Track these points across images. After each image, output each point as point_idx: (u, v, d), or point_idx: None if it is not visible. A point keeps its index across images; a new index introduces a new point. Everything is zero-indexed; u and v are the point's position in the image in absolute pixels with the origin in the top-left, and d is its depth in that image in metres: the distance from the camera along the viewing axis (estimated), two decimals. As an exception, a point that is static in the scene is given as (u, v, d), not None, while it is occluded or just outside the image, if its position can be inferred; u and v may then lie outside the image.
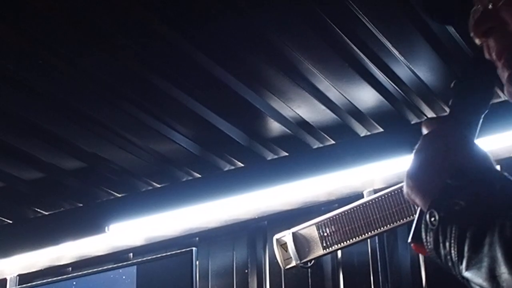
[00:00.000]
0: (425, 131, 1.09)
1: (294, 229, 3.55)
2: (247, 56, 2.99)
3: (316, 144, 3.71)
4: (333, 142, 3.67)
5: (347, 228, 3.37)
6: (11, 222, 4.47)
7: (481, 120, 1.14)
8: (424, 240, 1.00)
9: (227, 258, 4.02)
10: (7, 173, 3.85)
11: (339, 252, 3.70)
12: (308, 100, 3.30)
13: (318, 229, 3.45)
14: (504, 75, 1.06)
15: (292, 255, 3.54)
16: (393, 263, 3.62)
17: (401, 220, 3.24)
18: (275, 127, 3.52)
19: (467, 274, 0.92)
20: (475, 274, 0.91)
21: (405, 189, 1.06)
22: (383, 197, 3.30)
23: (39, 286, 4.24)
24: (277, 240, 3.60)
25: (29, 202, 4.24)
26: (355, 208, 3.36)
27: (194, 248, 3.80)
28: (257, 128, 3.55)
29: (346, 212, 3.38)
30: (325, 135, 3.62)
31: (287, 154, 3.79)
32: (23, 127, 3.42)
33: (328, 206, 3.74)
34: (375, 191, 3.43)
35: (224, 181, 3.89)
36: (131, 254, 4.30)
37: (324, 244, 3.44)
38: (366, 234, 3.33)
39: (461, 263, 0.93)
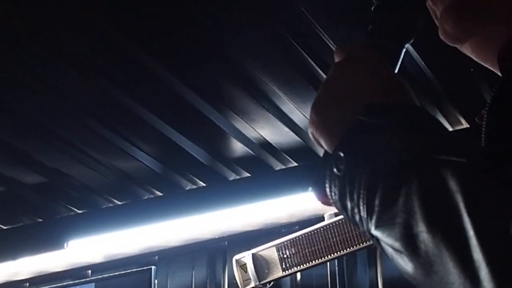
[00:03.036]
0: (337, 59, 0.93)
1: (254, 250, 3.54)
2: (212, 75, 3.00)
3: (278, 166, 3.71)
4: (295, 164, 3.68)
5: (307, 250, 3.37)
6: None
7: (404, 49, 1.00)
8: (328, 188, 0.83)
9: (186, 278, 4.00)
10: (-34, 186, 3.82)
11: (298, 274, 3.70)
12: (272, 122, 3.30)
13: (278, 251, 3.45)
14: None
15: (251, 276, 3.53)
16: (352, 287, 3.62)
17: (361, 244, 3.25)
18: (238, 147, 3.52)
19: (376, 232, 0.77)
20: (387, 232, 0.75)
21: (309, 127, 0.91)
22: (343, 220, 3.30)
23: (-5, 301, 4.19)
24: (236, 260, 3.60)
25: (-12, 216, 4.21)
26: (315, 231, 3.36)
27: (153, 267, 3.79)
28: (220, 148, 3.55)
29: (306, 235, 3.38)
30: (288, 157, 3.62)
31: (249, 175, 3.78)
32: (-16, 140, 3.39)
33: (289, 228, 3.74)
34: (336, 214, 3.43)
35: (185, 200, 3.88)
36: (90, 271, 4.27)
37: (284, 266, 3.44)
38: (326, 257, 3.33)
39: (371, 219, 0.77)
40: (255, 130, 3.38)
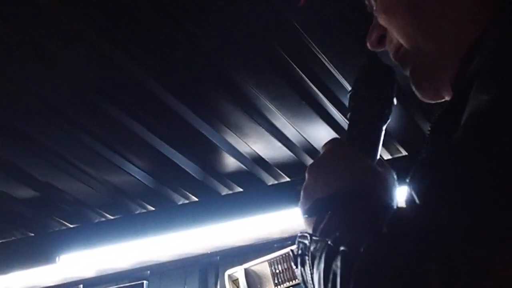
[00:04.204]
0: (321, 151, 1.10)
1: (246, 265, 3.54)
2: (205, 90, 2.99)
3: (271, 181, 3.71)
4: (288, 179, 3.68)
5: (299, 265, 3.36)
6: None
7: (383, 131, 1.12)
8: (294, 262, 1.00)
9: (178, 293, 4.00)
10: (-42, 200, 3.81)
11: (290, 290, 3.69)
12: (265, 137, 3.30)
13: (270, 266, 3.45)
14: (406, 73, 1.09)
15: (243, 291, 3.53)
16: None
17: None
18: (230, 162, 3.52)
19: None
20: None
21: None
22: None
23: (-14, 316, 4.18)
24: (229, 275, 3.59)
25: (-21, 230, 4.19)
26: (307, 246, 3.36)
27: (145, 282, 3.78)
28: (213, 163, 3.55)
29: (298, 250, 3.38)
30: (281, 172, 3.62)
31: (241, 189, 3.78)
32: (-24, 153, 3.38)
33: (281, 243, 3.74)
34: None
35: (177, 215, 3.87)
36: (82, 285, 4.26)
37: (276, 281, 3.43)
38: (318, 273, 3.32)
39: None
40: (248, 145, 3.38)
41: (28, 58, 2.73)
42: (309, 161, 3.50)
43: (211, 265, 3.99)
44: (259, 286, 3.50)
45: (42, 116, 3.12)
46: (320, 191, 1.04)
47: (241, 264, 3.57)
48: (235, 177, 3.66)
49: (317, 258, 0.91)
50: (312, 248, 0.95)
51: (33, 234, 4.24)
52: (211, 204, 3.82)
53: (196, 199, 3.88)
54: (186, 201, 3.89)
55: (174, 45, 2.70)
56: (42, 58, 2.74)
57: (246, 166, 3.55)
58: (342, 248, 0.85)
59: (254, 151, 3.43)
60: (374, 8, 1.11)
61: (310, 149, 3.41)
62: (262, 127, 3.21)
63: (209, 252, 3.95)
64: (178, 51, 2.74)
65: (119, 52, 2.72)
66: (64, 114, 3.13)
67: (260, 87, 2.96)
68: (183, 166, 3.51)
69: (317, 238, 0.95)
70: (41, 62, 2.77)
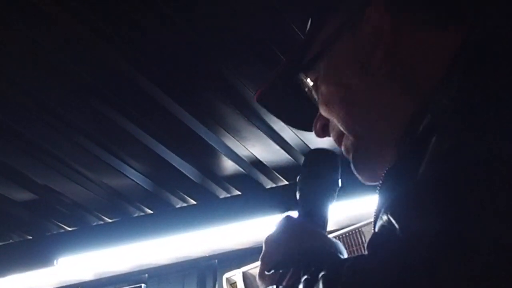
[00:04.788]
0: (274, 227, 1.24)
1: (244, 268, 3.54)
2: (203, 93, 3.00)
3: (269, 184, 3.71)
4: (286, 182, 3.68)
5: (297, 269, 3.36)
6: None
7: (328, 208, 1.28)
8: None
9: (176, 296, 3.99)
10: (-44, 202, 3.80)
11: (288, 293, 3.69)
12: (263, 140, 3.31)
13: (268, 269, 3.44)
14: (349, 157, 1.19)
15: (241, 294, 3.53)
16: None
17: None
18: (228, 165, 3.52)
19: None
20: None
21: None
22: (333, 239, 3.30)
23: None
24: (227, 279, 3.59)
25: (-23, 233, 4.19)
26: (306, 249, 3.36)
27: (143, 285, 3.78)
28: (211, 166, 3.55)
29: (296, 253, 3.38)
30: (279, 175, 3.62)
31: (240, 193, 3.78)
32: (-26, 156, 3.39)
33: (279, 247, 3.74)
34: (328, 233, 3.43)
35: (175, 218, 3.87)
36: (80, 289, 4.26)
37: (274, 285, 3.43)
38: (316, 276, 3.32)
39: None
40: (246, 148, 3.38)
41: (25, 60, 2.73)
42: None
43: (209, 268, 3.99)
44: (257, 289, 3.49)
45: (40, 119, 3.12)
46: (274, 258, 1.14)
47: (239, 267, 3.57)
48: (234, 180, 3.66)
49: None
50: None
51: (31, 237, 4.24)
52: (209, 207, 3.82)
53: (194, 202, 3.88)
54: (184, 204, 3.89)
55: (175, 51, 2.70)
56: (39, 61, 2.74)
57: (244, 169, 3.55)
58: (321, 274, 0.91)
59: (253, 154, 3.44)
60: (316, 100, 1.21)
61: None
62: (261, 130, 3.22)
63: (207, 255, 3.96)
64: (178, 57, 2.74)
65: (116, 53, 2.72)
66: (63, 117, 3.13)
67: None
68: (181, 169, 3.51)
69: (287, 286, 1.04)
70: (38, 64, 2.77)
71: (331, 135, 1.22)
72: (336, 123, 1.17)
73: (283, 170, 3.58)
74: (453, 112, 0.91)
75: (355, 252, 3.24)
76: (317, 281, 0.91)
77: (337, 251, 1.15)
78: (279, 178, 3.65)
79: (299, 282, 0.97)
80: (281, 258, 1.12)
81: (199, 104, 3.06)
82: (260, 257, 1.19)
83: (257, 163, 3.52)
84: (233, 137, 3.28)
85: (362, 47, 1.11)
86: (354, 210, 3.43)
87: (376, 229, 0.89)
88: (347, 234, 3.28)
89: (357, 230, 3.26)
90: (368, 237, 3.26)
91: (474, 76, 0.95)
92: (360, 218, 3.27)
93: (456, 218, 0.78)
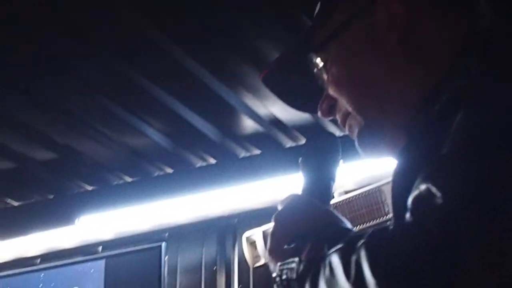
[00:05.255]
0: (279, 207, 1.22)
1: (264, 228, 3.55)
2: (223, 52, 2.99)
3: (289, 143, 3.71)
4: (306, 141, 3.67)
5: (316, 227, 3.36)
6: (-21, 210, 4.44)
7: (332, 185, 1.31)
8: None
9: (196, 255, 4.01)
10: (-22, 162, 3.83)
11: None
12: (282, 99, 3.29)
13: (287, 228, 3.45)
14: (354, 137, 1.22)
15: (261, 254, 3.54)
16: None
17: (371, 222, 3.25)
18: (248, 124, 3.52)
19: None
20: None
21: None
22: (353, 198, 3.30)
23: (6, 278, 4.21)
24: (246, 238, 3.60)
25: (0, 192, 4.22)
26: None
27: (163, 243, 3.79)
28: (231, 125, 3.55)
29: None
30: (298, 134, 3.62)
31: (259, 152, 3.79)
32: (-4, 116, 3.40)
33: (299, 206, 3.74)
34: (346, 192, 3.43)
35: (195, 177, 3.88)
36: (100, 247, 4.28)
37: (293, 243, 3.43)
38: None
39: None
40: (266, 107, 3.37)
41: (43, 17, 2.73)
42: (327, 122, 3.50)
43: (229, 227, 4.00)
44: (276, 248, 3.50)
45: (61, 79, 3.12)
46: (289, 234, 1.14)
47: (258, 226, 3.58)
48: (253, 139, 3.67)
49: (312, 275, 1.00)
50: (302, 268, 1.05)
51: (52, 196, 4.27)
52: (229, 166, 3.83)
53: (214, 161, 3.89)
54: (204, 163, 3.90)
55: (192, 7, 2.69)
56: (57, 18, 2.74)
57: (264, 128, 3.55)
58: (361, 242, 0.92)
59: (272, 113, 3.43)
60: (326, 79, 1.23)
61: (328, 112, 3.40)
62: (280, 89, 3.20)
63: (227, 214, 3.96)
64: (196, 14, 2.73)
65: (138, 13, 2.71)
66: (83, 77, 3.13)
67: (279, 49, 2.95)
68: (201, 128, 3.52)
69: (308, 259, 1.06)
70: (60, 25, 2.77)
71: (337, 115, 1.25)
72: (344, 103, 1.20)
73: (303, 129, 3.57)
74: (475, 90, 0.96)
75: (375, 211, 3.24)
76: (354, 249, 0.91)
77: (348, 226, 1.16)
78: (299, 137, 3.64)
79: (322, 255, 0.99)
80: (297, 233, 1.13)
81: (219, 63, 3.06)
82: (270, 233, 1.20)
83: (276, 122, 3.51)
84: (253, 96, 3.28)
85: (376, 31, 1.14)
86: (372, 170, 3.43)
87: (411, 199, 0.90)
88: (366, 193, 3.28)
89: (376, 189, 3.25)
90: (387, 196, 3.25)
91: (490, 57, 0.99)
92: (379, 178, 3.26)
93: (497, 185, 0.80)
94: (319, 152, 1.34)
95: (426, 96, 1.08)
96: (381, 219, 3.21)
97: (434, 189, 0.86)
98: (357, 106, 1.18)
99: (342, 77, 1.19)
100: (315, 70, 1.26)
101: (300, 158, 1.34)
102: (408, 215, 0.89)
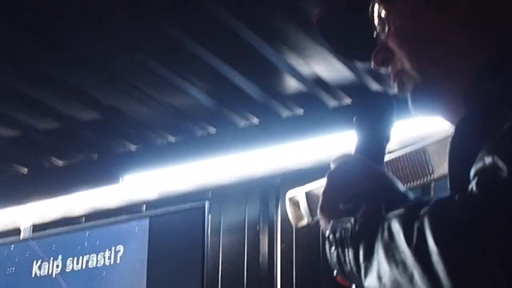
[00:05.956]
0: (332, 166, 1.22)
1: (307, 188, 3.54)
2: (267, 11, 2.98)
3: (332, 103, 3.69)
4: (350, 101, 3.66)
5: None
6: (26, 171, 4.49)
7: (386, 146, 1.28)
8: (330, 263, 1.09)
9: (239, 214, 4.02)
10: (23, 123, 3.87)
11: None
12: (326, 58, 3.28)
13: (330, 188, 3.44)
14: (406, 93, 1.20)
15: (304, 213, 3.53)
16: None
17: (415, 181, 3.23)
18: (292, 84, 3.51)
19: (366, 284, 1.00)
20: (370, 281, 0.98)
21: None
22: (397, 158, 3.28)
23: (52, 236, 4.27)
24: (289, 198, 3.60)
25: (45, 152, 4.26)
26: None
27: (206, 203, 3.81)
28: (274, 85, 3.54)
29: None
30: (342, 94, 3.60)
31: (302, 112, 3.77)
32: (41, 77, 3.42)
33: (342, 166, 3.73)
34: (389, 152, 3.41)
35: (239, 137, 3.89)
36: (144, 207, 4.31)
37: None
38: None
39: (360, 275, 1.01)
40: (310, 67, 3.36)
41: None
42: (372, 83, 3.48)
43: (272, 187, 4.01)
44: (319, 208, 3.50)
45: (105, 39, 3.13)
46: (343, 193, 1.13)
47: (301, 186, 3.58)
48: (297, 99, 3.66)
49: (368, 236, 1.00)
50: (358, 228, 1.04)
51: (96, 156, 4.30)
52: (272, 126, 3.82)
53: (257, 122, 3.89)
54: (247, 124, 3.91)
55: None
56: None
57: (307, 88, 3.54)
58: (424, 209, 0.91)
59: (316, 72, 3.41)
60: (386, 31, 1.21)
61: (372, 70, 3.38)
62: (324, 48, 3.19)
63: (270, 174, 3.96)
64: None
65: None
66: (127, 38, 3.14)
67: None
68: (244, 88, 3.51)
69: (364, 220, 1.04)
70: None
71: (391, 69, 1.23)
72: (403, 57, 1.18)
73: (347, 88, 3.55)
74: None
75: (419, 171, 3.22)
76: (417, 217, 0.91)
77: (402, 188, 1.14)
78: (342, 96, 3.62)
79: (380, 217, 0.99)
80: (351, 193, 1.12)
81: (263, 23, 3.04)
82: (323, 192, 1.19)
83: (320, 82, 3.50)
84: (297, 55, 3.26)
85: None
86: (417, 130, 3.40)
87: (475, 170, 0.91)
88: (410, 153, 3.26)
89: (421, 149, 3.23)
90: (432, 156, 3.23)
91: None
92: (422, 137, 3.24)
93: None
94: (374, 112, 1.32)
95: (489, 64, 1.07)
96: (425, 179, 3.19)
97: (500, 163, 0.86)
98: (417, 63, 1.16)
99: (407, 30, 1.17)
100: (376, 19, 1.24)
101: (355, 117, 1.32)
102: (472, 187, 0.89)
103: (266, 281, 3.83)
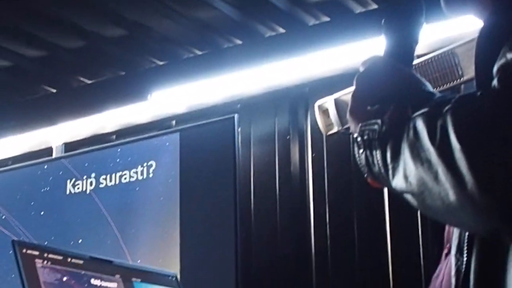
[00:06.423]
0: (361, 69, 1.21)
1: (336, 95, 3.52)
2: None
3: (358, 9, 3.65)
4: (376, 6, 3.61)
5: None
6: (55, 91, 4.51)
7: (414, 48, 1.28)
8: (360, 166, 1.10)
9: (269, 125, 4.02)
10: (50, 42, 3.87)
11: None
12: (350, -37, 3.23)
13: (359, 95, 3.43)
14: None
15: (334, 121, 3.50)
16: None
17: (445, 85, 3.20)
18: (316, -9, 3.47)
19: (394, 184, 1.01)
20: (397, 181, 1.00)
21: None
22: (426, 62, 3.25)
23: (84, 154, 4.30)
24: (319, 106, 3.57)
25: (72, 71, 4.28)
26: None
27: (235, 115, 3.81)
28: (298, -7, 3.51)
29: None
30: (368, 0, 3.56)
31: (328, 19, 3.73)
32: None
33: (370, 72, 3.71)
34: (418, 56, 3.38)
35: (265, 47, 3.87)
36: (174, 121, 4.32)
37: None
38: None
39: (388, 176, 1.02)
40: (335, -28, 3.32)
41: None
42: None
43: (301, 96, 3.99)
44: (349, 115, 3.49)
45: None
46: (372, 95, 1.14)
47: (330, 94, 3.56)
48: (322, 6, 3.62)
49: (394, 137, 1.01)
50: (385, 129, 1.04)
51: (123, 73, 4.31)
52: (298, 35, 3.79)
53: (283, 31, 3.86)
54: (273, 33, 3.88)
55: None
56: None
57: (333, -6, 3.50)
58: (446, 108, 0.92)
59: (341, -22, 3.37)
60: None
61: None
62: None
63: (298, 83, 3.94)
64: None
65: None
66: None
67: None
68: (269, -2, 3.49)
69: (391, 121, 1.05)
70: None
71: None
72: None
73: (373, -6, 3.51)
74: None
75: (449, 74, 3.19)
76: (440, 114, 0.92)
77: (430, 89, 1.15)
78: (369, 2, 3.58)
79: (406, 118, 1.00)
80: (380, 94, 1.13)
81: None
82: (352, 95, 1.19)
83: (345, -12, 3.45)
84: (320, -39, 3.22)
85: None
86: (446, 33, 3.36)
87: (497, 67, 0.91)
88: (439, 56, 3.22)
89: (449, 52, 3.18)
90: (461, 58, 3.19)
91: None
92: (453, 40, 3.20)
93: None
94: (402, 13, 1.31)
95: None
96: (454, 82, 3.15)
97: None
98: None
99: None
100: None
101: (383, 20, 1.31)
102: (495, 83, 0.89)
103: (298, 190, 3.85)
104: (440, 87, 3.20)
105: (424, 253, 3.38)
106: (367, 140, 1.08)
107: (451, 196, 0.91)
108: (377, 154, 1.04)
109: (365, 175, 1.11)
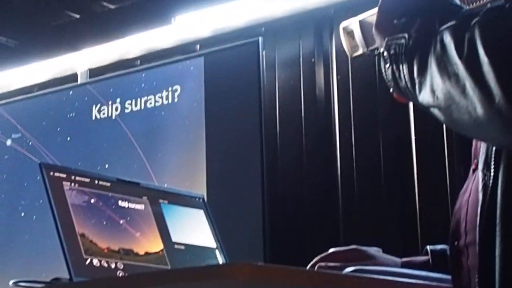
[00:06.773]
0: None
1: (361, 16, 3.47)
2: None
3: None
4: None
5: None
6: (78, 17, 4.50)
7: None
8: (386, 80, 1.10)
9: (294, 48, 3.99)
10: (72, -34, 3.84)
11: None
12: None
13: (385, 16, 3.39)
14: None
15: (359, 43, 3.46)
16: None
17: (473, 3, 3.16)
18: None
19: (420, 98, 1.01)
20: (424, 95, 0.99)
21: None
22: None
23: (109, 79, 4.31)
24: (343, 28, 3.54)
25: (95, -4, 4.26)
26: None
27: (260, 38, 3.78)
28: None
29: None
30: None
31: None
32: None
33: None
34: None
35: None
36: (198, 45, 4.30)
37: (392, 31, 3.38)
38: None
39: (415, 91, 1.01)
40: None
41: None
42: None
43: (325, 18, 3.95)
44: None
45: None
46: (399, 8, 1.13)
47: (355, 15, 3.52)
48: None
49: (421, 50, 1.00)
50: (412, 43, 1.04)
51: (147, -3, 4.29)
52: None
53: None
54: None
55: None
56: None
57: None
58: (474, 21, 0.91)
59: None
60: None
61: None
62: None
63: (322, 5, 3.90)
64: None
65: None
66: None
67: None
68: None
69: (418, 35, 1.04)
70: None
71: None
72: None
73: None
74: None
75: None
76: (468, 28, 0.91)
77: (458, 2, 1.14)
78: None
79: (433, 31, 0.99)
80: (407, 8, 1.11)
81: None
82: (378, 8, 1.21)
83: None
84: None
85: None
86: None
87: None
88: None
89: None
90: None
91: None
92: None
93: None
94: None
95: None
96: (477, 3, 3.12)
97: None
98: None
99: None
100: None
101: None
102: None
103: (323, 113, 3.84)
104: (468, 5, 3.16)
105: (450, 172, 3.38)
106: (393, 55, 1.06)
107: (479, 109, 0.89)
108: (404, 69, 1.03)
109: (391, 90, 1.10)
